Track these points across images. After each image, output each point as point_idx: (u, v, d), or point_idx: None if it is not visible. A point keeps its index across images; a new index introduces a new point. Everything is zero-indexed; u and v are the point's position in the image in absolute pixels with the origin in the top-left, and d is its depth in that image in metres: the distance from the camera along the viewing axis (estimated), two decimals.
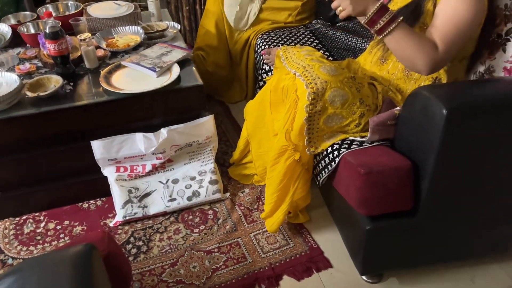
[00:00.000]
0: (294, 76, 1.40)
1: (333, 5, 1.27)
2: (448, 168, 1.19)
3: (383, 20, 1.21)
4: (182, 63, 1.80)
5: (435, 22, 1.26)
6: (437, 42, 1.23)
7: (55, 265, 0.71)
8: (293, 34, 2.10)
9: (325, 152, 1.41)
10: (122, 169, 1.71)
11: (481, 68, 1.45)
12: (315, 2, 2.26)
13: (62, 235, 1.65)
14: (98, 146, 1.63)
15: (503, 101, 1.15)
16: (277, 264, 1.52)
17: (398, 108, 1.35)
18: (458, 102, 1.11)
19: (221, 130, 2.16)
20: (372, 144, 1.35)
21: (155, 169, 1.74)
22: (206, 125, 1.73)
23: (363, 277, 1.47)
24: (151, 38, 1.99)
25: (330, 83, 1.32)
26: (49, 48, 1.64)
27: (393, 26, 1.20)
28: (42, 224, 1.69)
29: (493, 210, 1.35)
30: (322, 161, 1.43)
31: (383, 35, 1.23)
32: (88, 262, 0.73)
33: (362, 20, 1.25)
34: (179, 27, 2.09)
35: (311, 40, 2.04)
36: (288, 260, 1.54)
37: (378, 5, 1.21)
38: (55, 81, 1.65)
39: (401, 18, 1.21)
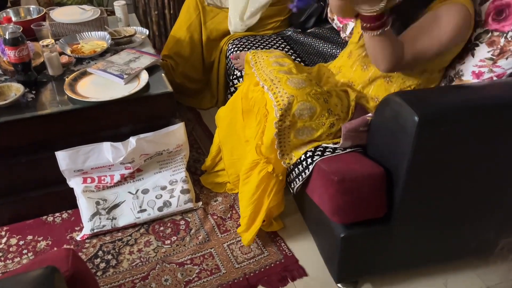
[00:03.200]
0: (263, 89, 1.38)
1: None
2: (421, 174, 1.20)
3: (376, 23, 1.18)
4: (150, 69, 1.75)
5: (413, 27, 1.28)
6: (406, 47, 1.25)
7: None
8: (265, 40, 2.08)
9: (298, 160, 1.39)
10: (89, 180, 1.65)
11: (451, 73, 1.47)
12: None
13: (25, 251, 1.57)
14: (63, 157, 1.56)
15: (474, 107, 1.16)
16: (251, 274, 1.49)
17: (370, 114, 1.35)
18: (429, 109, 1.11)
19: (192, 137, 2.11)
20: (345, 151, 1.34)
21: (124, 179, 1.68)
22: (176, 133, 1.68)
23: (339, 284, 1.46)
24: (118, 44, 1.93)
25: (297, 97, 1.31)
26: (9, 54, 1.56)
27: (379, 32, 1.19)
28: (4, 240, 1.60)
29: (466, 215, 1.36)
30: (296, 169, 1.42)
31: (367, 32, 1.21)
32: (49, 287, 0.67)
33: (362, 9, 1.17)
34: (147, 33, 2.03)
35: (283, 46, 2.03)
36: (262, 269, 1.51)
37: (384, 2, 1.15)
38: (15, 89, 1.58)
39: (388, 27, 1.20)
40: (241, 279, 1.47)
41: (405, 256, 1.41)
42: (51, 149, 1.55)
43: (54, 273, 0.71)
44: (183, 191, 1.70)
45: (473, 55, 1.38)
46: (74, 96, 1.56)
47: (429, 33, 1.26)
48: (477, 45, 1.37)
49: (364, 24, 1.21)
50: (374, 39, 1.23)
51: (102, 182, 1.65)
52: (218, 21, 2.19)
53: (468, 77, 1.40)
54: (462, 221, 1.37)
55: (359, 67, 1.48)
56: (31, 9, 2.11)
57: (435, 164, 1.19)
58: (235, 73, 1.97)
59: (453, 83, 1.45)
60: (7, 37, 1.54)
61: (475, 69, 1.38)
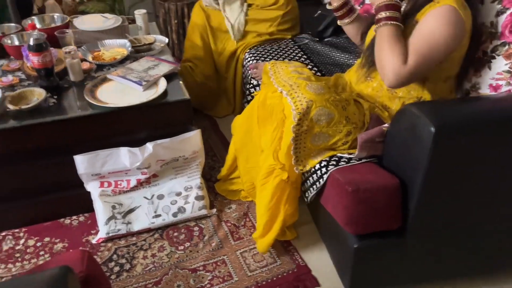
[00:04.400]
0: (281, 95, 1.39)
1: None
2: (436, 186, 1.18)
3: (386, 13, 1.27)
4: (169, 77, 1.78)
5: (410, 40, 1.28)
6: (408, 55, 1.25)
7: None
8: (281, 49, 2.09)
9: (313, 169, 1.40)
10: (106, 184, 1.67)
11: (467, 85, 1.46)
12: (297, 12, 2.28)
13: (42, 252, 1.60)
14: (81, 161, 1.59)
15: (490, 119, 1.15)
16: (263, 282, 1.49)
17: (386, 125, 1.35)
18: (445, 120, 1.11)
19: (208, 145, 2.13)
20: (360, 161, 1.34)
21: (140, 185, 1.70)
22: (192, 139, 1.70)
23: None
24: (138, 52, 1.97)
25: (316, 102, 1.32)
26: (33, 60, 1.61)
27: (388, 23, 1.27)
28: (22, 241, 1.64)
29: (484, 229, 1.34)
30: (310, 178, 1.42)
31: (377, 25, 1.29)
32: (63, 287, 0.69)
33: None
34: (166, 41, 2.07)
35: (299, 55, 2.04)
36: (275, 278, 1.50)
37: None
38: (38, 94, 1.62)
39: (397, 22, 1.27)
40: (253, 287, 1.47)
41: (419, 270, 1.39)
42: (70, 153, 1.58)
43: (68, 273, 0.72)
44: (198, 198, 1.71)
45: (489, 68, 1.37)
46: (93, 102, 1.60)
47: (425, 39, 1.25)
48: (494, 58, 1.36)
49: (379, 16, 1.27)
50: (377, 34, 1.28)
51: (119, 186, 1.68)
52: (219, 21, 2.23)
53: (485, 90, 1.39)
54: (479, 235, 1.35)
55: (363, 79, 1.48)
56: (55, 17, 2.18)
57: (451, 176, 1.18)
58: (251, 82, 1.99)
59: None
60: (31, 43, 1.58)
61: (492, 82, 1.37)
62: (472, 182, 1.21)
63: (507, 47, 1.33)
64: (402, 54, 1.25)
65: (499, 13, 1.36)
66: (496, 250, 1.39)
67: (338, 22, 1.65)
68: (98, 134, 1.64)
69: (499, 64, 1.35)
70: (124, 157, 1.62)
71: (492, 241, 1.36)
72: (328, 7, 1.67)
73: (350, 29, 1.64)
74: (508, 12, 1.33)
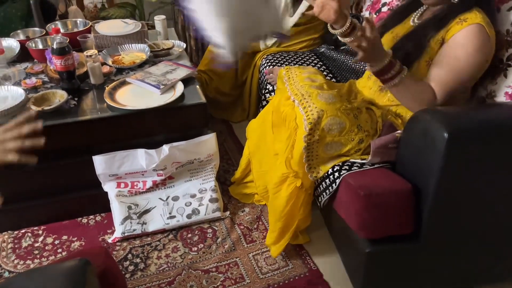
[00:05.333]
0: (293, 103, 1.41)
1: (354, 40, 1.20)
2: (449, 192, 1.19)
3: (391, 73, 1.26)
4: (186, 81, 1.81)
5: (438, 67, 1.30)
6: (436, 89, 1.28)
7: (48, 279, 0.70)
8: (298, 55, 2.12)
9: (326, 174, 1.41)
10: (122, 185, 1.71)
11: (483, 93, 1.45)
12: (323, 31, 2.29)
13: (60, 250, 1.64)
14: (99, 161, 1.64)
15: (503, 125, 1.15)
16: (275, 285, 1.50)
17: (399, 131, 1.35)
18: (459, 126, 1.11)
19: (223, 149, 2.16)
20: (373, 166, 1.34)
21: (155, 186, 1.74)
22: (208, 143, 1.73)
23: None
24: (156, 56, 2.02)
25: (327, 112, 1.32)
26: (56, 63, 1.67)
27: (398, 79, 1.27)
28: (41, 239, 1.68)
29: (498, 234, 1.33)
30: (323, 183, 1.43)
31: (388, 85, 1.30)
32: (81, 278, 0.72)
33: (372, 69, 1.28)
34: (184, 46, 2.11)
35: (315, 62, 2.06)
36: (286, 282, 1.51)
37: (388, 59, 1.25)
38: (60, 96, 1.67)
39: (406, 72, 1.28)
40: None
41: (432, 275, 1.39)
42: (89, 154, 1.63)
43: (87, 266, 0.75)
44: (212, 200, 1.74)
45: (505, 76, 1.37)
46: (113, 104, 1.64)
47: (454, 69, 1.27)
48: (510, 66, 1.36)
49: (380, 78, 1.29)
50: (394, 90, 1.31)
51: (135, 187, 1.72)
52: None
53: (501, 98, 1.39)
54: (493, 242, 1.34)
55: (377, 89, 1.49)
56: (78, 22, 2.24)
57: (463, 181, 1.18)
58: (267, 87, 2.01)
59: None
60: (54, 46, 1.64)
61: (508, 90, 1.37)
62: (485, 187, 1.21)
63: None
64: (428, 93, 1.28)
65: None
66: (510, 255, 1.37)
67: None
68: (116, 135, 1.68)
69: None
70: (140, 158, 1.66)
71: (506, 246, 1.35)
72: (331, 30, 1.63)
73: None
74: None
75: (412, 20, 1.47)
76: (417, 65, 1.37)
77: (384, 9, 2.01)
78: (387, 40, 1.52)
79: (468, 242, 1.32)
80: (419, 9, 1.49)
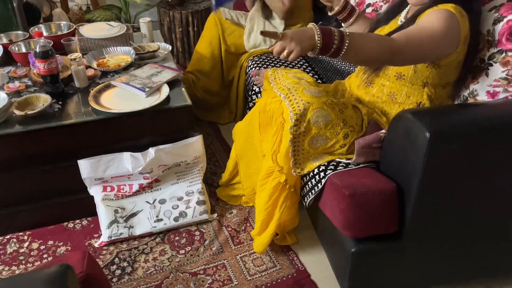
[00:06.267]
0: (280, 99, 1.42)
1: (275, 51, 1.15)
2: (432, 191, 1.20)
3: (335, 39, 1.14)
4: (171, 83, 1.81)
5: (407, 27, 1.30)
6: (396, 36, 1.23)
7: (28, 286, 0.69)
8: None
9: (311, 174, 1.41)
10: (108, 189, 1.70)
11: (465, 92, 1.47)
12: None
13: (45, 255, 1.62)
14: (85, 165, 1.62)
15: (485, 125, 1.16)
16: (263, 287, 1.50)
17: (383, 131, 1.37)
18: (441, 125, 1.12)
19: (210, 151, 2.16)
20: (358, 166, 1.35)
21: (142, 189, 1.73)
22: (194, 145, 1.73)
23: None
24: (142, 59, 2.01)
25: (313, 104, 1.34)
26: (39, 67, 1.65)
27: (347, 42, 1.15)
28: (26, 244, 1.67)
29: (481, 233, 1.35)
30: (309, 182, 1.43)
31: (341, 54, 1.16)
32: (62, 284, 0.71)
33: (314, 52, 1.17)
34: (170, 48, 2.11)
35: (301, 63, 2.07)
36: (274, 283, 1.52)
37: (316, 29, 1.14)
38: (43, 100, 1.66)
39: (347, 32, 1.17)
40: None
41: (417, 274, 1.40)
42: (74, 158, 1.62)
43: (68, 271, 0.74)
44: (199, 203, 1.74)
45: (487, 75, 1.39)
46: (97, 107, 1.63)
47: (417, 29, 1.27)
48: (491, 65, 1.38)
49: (334, 47, 1.16)
50: (352, 55, 1.19)
51: (121, 191, 1.71)
52: (236, 36, 2.25)
53: (483, 97, 1.41)
54: (476, 240, 1.36)
55: (363, 85, 1.50)
56: (62, 24, 2.22)
57: (447, 180, 1.19)
58: (253, 88, 2.01)
59: None
60: (37, 50, 1.62)
61: (490, 89, 1.38)
62: (467, 186, 1.22)
63: (504, 54, 1.35)
64: (380, 35, 1.26)
65: (496, 22, 1.38)
66: (492, 253, 1.39)
67: (343, 25, 1.68)
68: (102, 139, 1.67)
69: (496, 71, 1.36)
70: (126, 161, 1.65)
71: (488, 244, 1.37)
72: (329, 13, 1.70)
73: (356, 29, 1.66)
74: (505, 20, 1.35)
75: (400, 20, 1.49)
76: None
77: (369, 10, 2.03)
78: None
79: (452, 240, 1.34)
80: (405, 9, 1.50)
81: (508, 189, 1.25)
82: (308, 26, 1.18)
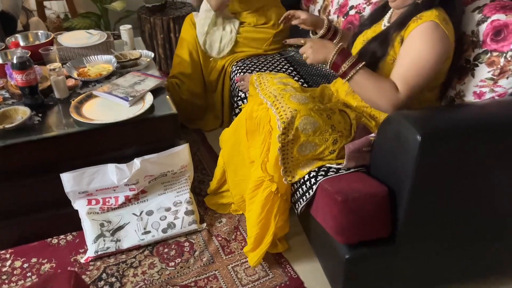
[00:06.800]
0: (267, 106, 1.40)
1: (301, 51, 1.39)
2: (424, 193, 1.19)
3: (346, 64, 1.31)
4: (155, 91, 1.77)
5: (398, 64, 1.32)
6: (398, 85, 1.29)
7: None
8: (268, 61, 2.10)
9: (302, 180, 1.40)
10: (93, 202, 1.65)
11: (452, 93, 1.47)
12: (289, 32, 2.28)
13: (29, 274, 1.56)
14: (68, 179, 1.57)
15: (475, 126, 1.16)
16: None
17: (373, 134, 1.36)
18: (431, 128, 1.12)
19: (197, 159, 2.12)
20: (349, 171, 1.34)
21: (128, 201, 1.68)
22: (181, 154, 1.69)
23: None
24: (124, 67, 1.97)
25: (300, 112, 1.33)
26: (17, 78, 1.60)
27: (355, 71, 1.31)
28: (8, 263, 1.60)
29: (474, 235, 1.34)
30: (300, 189, 1.41)
31: (346, 78, 1.33)
32: None
33: (327, 65, 1.35)
34: (152, 55, 2.07)
35: (286, 67, 2.05)
36: None
37: (337, 49, 1.32)
38: (22, 113, 1.60)
39: (362, 63, 1.31)
40: None
41: (412, 278, 1.39)
42: (56, 171, 1.56)
43: None
44: (188, 213, 1.70)
45: (473, 76, 1.39)
46: (79, 119, 1.58)
47: (414, 64, 1.29)
48: (477, 66, 1.38)
49: (342, 70, 1.33)
50: (353, 84, 1.34)
51: (107, 203, 1.66)
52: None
53: (469, 98, 1.41)
54: (470, 241, 1.35)
55: (351, 91, 1.50)
56: (39, 34, 2.16)
57: (438, 183, 1.18)
58: (239, 94, 1.99)
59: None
60: (14, 61, 1.57)
61: (476, 90, 1.39)
62: (459, 187, 1.22)
63: (489, 54, 1.35)
64: (389, 86, 1.29)
65: (480, 22, 1.38)
66: (486, 255, 1.39)
67: None
68: (85, 151, 1.62)
69: (482, 72, 1.37)
70: (111, 173, 1.60)
71: (483, 244, 1.37)
72: (312, 36, 1.70)
73: None
74: (489, 20, 1.36)
75: (384, 24, 1.49)
76: (383, 65, 1.39)
77: (352, 12, 2.02)
78: (358, 44, 1.53)
79: (445, 242, 1.33)
80: (388, 13, 1.50)
81: (501, 187, 1.25)
82: (335, 42, 1.41)
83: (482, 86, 1.38)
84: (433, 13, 1.30)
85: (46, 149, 1.56)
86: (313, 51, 1.34)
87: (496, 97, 1.35)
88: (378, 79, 1.31)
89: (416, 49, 1.29)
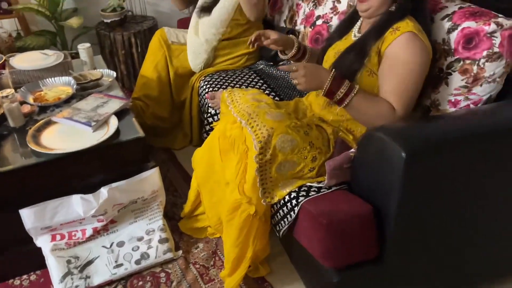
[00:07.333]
0: (240, 126, 1.33)
1: (292, 77, 1.32)
2: (411, 210, 1.16)
3: (341, 91, 1.27)
4: (120, 113, 1.67)
5: (386, 80, 1.30)
6: (393, 102, 1.27)
7: None
8: (237, 75, 2.04)
9: (282, 201, 1.33)
10: (58, 237, 1.53)
11: (427, 102, 1.46)
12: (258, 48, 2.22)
13: None
14: (28, 215, 1.44)
15: (459, 138, 1.14)
16: None
17: (353, 150, 1.31)
18: (415, 144, 1.08)
19: (168, 180, 2.02)
20: (331, 189, 1.29)
21: (97, 233, 1.57)
22: (150, 179, 1.59)
23: None
24: (84, 89, 1.85)
25: (276, 130, 1.28)
26: None
27: (351, 96, 1.27)
28: None
29: (464, 243, 1.32)
30: (280, 211, 1.35)
31: (343, 105, 1.29)
32: None
33: (321, 92, 1.30)
34: (114, 75, 1.96)
35: (256, 80, 1.99)
36: None
37: (330, 76, 1.27)
38: None
39: (356, 87, 1.28)
40: None
41: None
42: (15, 207, 1.43)
43: None
44: (161, 241, 1.60)
45: (447, 84, 1.38)
46: (38, 149, 1.46)
47: (405, 77, 1.27)
48: (450, 74, 1.37)
49: (336, 97, 1.29)
50: (351, 109, 1.31)
51: (73, 238, 1.54)
52: (184, 58, 2.15)
53: (445, 106, 1.40)
54: (460, 251, 1.33)
55: (326, 105, 1.46)
56: None
57: (425, 199, 1.15)
58: (209, 111, 1.91)
59: (431, 113, 1.44)
60: None
61: (451, 98, 1.38)
62: (447, 203, 1.19)
63: (462, 63, 1.34)
64: (386, 106, 1.27)
65: (450, 30, 1.37)
66: (477, 262, 1.38)
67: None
68: (46, 183, 1.50)
69: (456, 80, 1.36)
70: (76, 205, 1.48)
71: (470, 260, 1.35)
72: (282, 56, 1.65)
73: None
74: (459, 28, 1.35)
75: (354, 35, 1.45)
76: (359, 78, 1.36)
77: (319, 22, 1.99)
78: (329, 57, 1.49)
79: (436, 258, 1.30)
80: (357, 24, 1.47)
81: (489, 199, 1.24)
82: (328, 70, 1.31)
83: (456, 94, 1.37)
84: (409, 24, 1.28)
85: (2, 184, 1.43)
86: (306, 80, 1.28)
87: (471, 105, 1.34)
88: (373, 101, 1.29)
89: (402, 62, 1.27)
